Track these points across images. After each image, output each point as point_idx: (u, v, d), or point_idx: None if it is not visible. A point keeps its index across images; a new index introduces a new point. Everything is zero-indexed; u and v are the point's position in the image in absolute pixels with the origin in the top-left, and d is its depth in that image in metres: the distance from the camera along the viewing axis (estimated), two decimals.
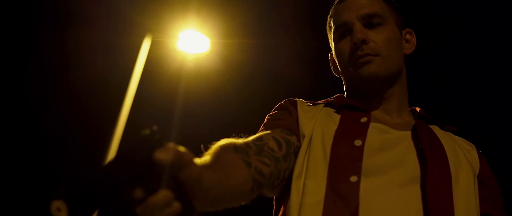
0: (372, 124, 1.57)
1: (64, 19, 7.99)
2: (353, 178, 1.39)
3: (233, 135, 1.48)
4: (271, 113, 1.72)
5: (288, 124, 1.59)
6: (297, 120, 1.61)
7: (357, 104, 1.66)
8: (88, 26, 7.87)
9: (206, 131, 9.24)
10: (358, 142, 1.47)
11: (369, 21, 1.68)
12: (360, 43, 1.63)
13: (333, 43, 1.80)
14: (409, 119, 1.73)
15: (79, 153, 9.56)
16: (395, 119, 1.70)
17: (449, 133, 1.74)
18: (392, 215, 1.38)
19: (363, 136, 1.50)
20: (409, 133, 1.58)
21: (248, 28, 8.06)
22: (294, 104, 1.70)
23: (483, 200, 1.55)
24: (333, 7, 1.82)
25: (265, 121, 1.67)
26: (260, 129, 1.63)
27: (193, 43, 7.48)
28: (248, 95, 8.72)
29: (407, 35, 1.84)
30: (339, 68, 1.80)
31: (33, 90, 9.23)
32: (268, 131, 1.54)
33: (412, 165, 1.46)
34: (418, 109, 1.80)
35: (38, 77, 9.05)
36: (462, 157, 1.57)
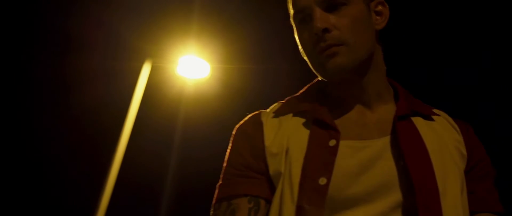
0: (343, 144, 1.42)
1: (64, 44, 8.03)
2: (322, 180, 1.33)
3: None
4: (231, 149, 1.57)
5: (256, 189, 1.45)
6: (264, 160, 1.47)
7: (327, 120, 1.48)
8: (88, 51, 7.91)
9: (206, 155, 9.23)
10: (322, 180, 1.35)
11: (330, 3, 1.44)
12: (321, 33, 1.41)
13: (295, 29, 1.58)
14: (390, 106, 1.56)
15: (79, 177, 9.55)
16: (375, 110, 1.54)
17: (434, 122, 1.56)
18: None
19: (328, 173, 1.36)
20: (388, 140, 1.44)
21: (248, 53, 8.09)
22: (259, 128, 1.54)
23: (475, 192, 1.47)
24: None
25: (224, 167, 1.54)
26: (226, 174, 1.51)
27: (193, 68, 7.48)
28: None
29: (379, 7, 1.58)
30: (304, 57, 1.58)
31: (33, 115, 9.23)
32: None
33: (395, 189, 1.35)
34: (400, 92, 1.61)
35: (38, 102, 9.06)
36: (448, 159, 1.44)
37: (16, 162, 9.59)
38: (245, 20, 7.95)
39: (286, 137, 1.48)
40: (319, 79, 1.58)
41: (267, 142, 1.49)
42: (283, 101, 1.67)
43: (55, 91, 8.91)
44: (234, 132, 1.62)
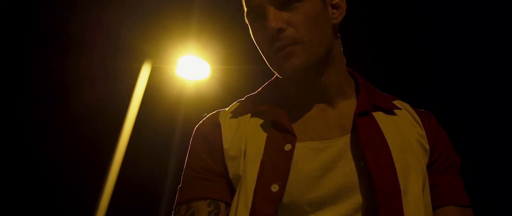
0: (303, 146, 1.40)
1: (63, 45, 8.02)
2: (274, 187, 1.31)
3: None
4: (190, 151, 1.56)
5: (215, 192, 1.45)
6: (223, 163, 1.47)
7: (284, 123, 1.45)
8: (88, 52, 7.90)
9: None
10: (274, 187, 1.33)
11: (285, 1, 1.39)
12: (275, 33, 1.37)
13: (249, 27, 1.53)
14: (352, 101, 1.53)
15: (79, 178, 9.54)
16: (336, 106, 1.51)
17: (396, 116, 1.52)
18: None
19: (281, 180, 1.34)
20: (348, 138, 1.41)
21: (248, 54, 8.07)
22: (217, 130, 1.53)
23: (438, 186, 1.44)
24: None
25: (184, 170, 1.53)
26: (186, 176, 1.51)
27: (193, 69, 7.47)
28: None
29: (335, 0, 1.52)
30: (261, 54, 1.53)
31: (32, 116, 9.23)
32: None
33: (357, 190, 1.33)
34: (360, 84, 1.58)
35: (38, 103, 9.06)
36: (410, 155, 1.41)
37: (16, 163, 9.59)
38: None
39: (244, 139, 1.47)
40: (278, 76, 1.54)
41: (225, 145, 1.48)
42: (242, 99, 1.65)
43: (54, 92, 8.90)
44: (193, 133, 1.60)
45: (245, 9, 1.49)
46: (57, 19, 7.68)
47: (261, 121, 1.50)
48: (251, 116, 1.53)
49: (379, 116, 1.48)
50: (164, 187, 10.70)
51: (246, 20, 1.51)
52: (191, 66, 7.43)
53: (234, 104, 1.64)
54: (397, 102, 1.58)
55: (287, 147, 1.39)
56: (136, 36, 7.47)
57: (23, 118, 9.30)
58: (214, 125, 1.55)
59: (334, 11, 1.51)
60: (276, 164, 1.37)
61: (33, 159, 9.65)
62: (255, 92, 1.66)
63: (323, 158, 1.37)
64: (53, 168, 9.57)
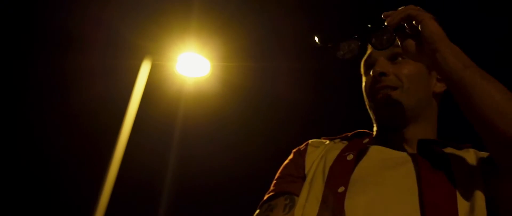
0: (375, 146, 1.59)
1: (63, 42, 8.02)
2: (340, 189, 1.43)
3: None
4: (284, 164, 1.73)
5: (293, 187, 1.59)
6: (303, 166, 1.64)
7: (367, 130, 1.67)
8: (88, 49, 7.89)
9: (205, 153, 9.23)
10: (349, 156, 1.52)
11: (395, 57, 1.63)
12: (378, 76, 1.59)
13: (362, 76, 1.76)
14: None
15: (79, 175, 9.54)
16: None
17: (464, 150, 1.56)
18: None
19: (355, 150, 1.54)
20: (416, 158, 1.49)
21: (248, 51, 8.07)
22: (305, 147, 1.73)
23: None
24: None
25: (277, 175, 1.70)
26: (272, 185, 1.67)
27: (193, 66, 7.45)
28: (248, 118, 8.69)
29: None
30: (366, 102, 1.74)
31: (31, 114, 9.22)
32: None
33: (408, 183, 1.42)
34: None
35: (37, 100, 9.06)
36: (471, 166, 1.45)
37: (15, 160, 9.59)
38: (246, 17, 7.93)
39: (325, 148, 1.67)
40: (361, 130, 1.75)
41: (308, 151, 1.69)
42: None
43: (54, 89, 8.91)
44: None
45: (362, 60, 1.73)
46: (56, 16, 7.68)
47: (346, 141, 1.70)
48: (340, 141, 1.72)
49: (447, 149, 1.56)
50: (164, 184, 10.70)
51: (361, 69, 1.75)
52: (191, 63, 7.42)
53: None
54: None
55: (365, 140, 1.62)
56: (136, 33, 7.47)
57: (22, 115, 9.30)
58: (304, 145, 1.74)
59: (437, 83, 1.68)
60: (352, 148, 1.58)
61: (33, 155, 9.66)
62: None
63: (385, 159, 1.53)
64: (53, 165, 9.58)
